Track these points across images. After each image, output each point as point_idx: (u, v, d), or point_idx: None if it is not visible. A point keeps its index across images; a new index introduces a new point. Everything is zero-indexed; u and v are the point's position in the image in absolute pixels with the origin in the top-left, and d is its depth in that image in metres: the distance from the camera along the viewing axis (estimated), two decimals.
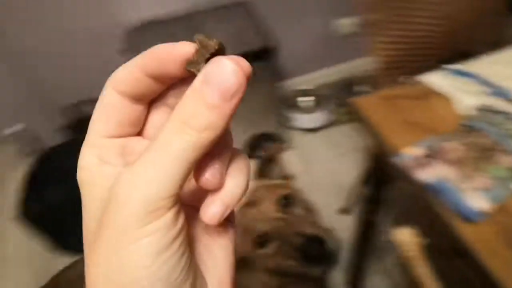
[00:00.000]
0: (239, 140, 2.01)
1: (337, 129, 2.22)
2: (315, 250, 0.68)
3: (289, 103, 2.34)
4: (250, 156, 1.98)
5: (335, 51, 2.39)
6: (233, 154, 0.25)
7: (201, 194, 0.24)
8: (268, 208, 0.75)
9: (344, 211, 1.80)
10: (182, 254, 0.22)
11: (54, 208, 1.55)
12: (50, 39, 1.75)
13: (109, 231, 0.21)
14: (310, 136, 2.19)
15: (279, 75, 1.81)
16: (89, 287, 0.22)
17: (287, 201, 0.78)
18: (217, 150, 0.24)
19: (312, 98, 2.36)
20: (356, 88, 2.43)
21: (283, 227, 0.72)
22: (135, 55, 0.24)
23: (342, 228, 1.73)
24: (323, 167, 2.02)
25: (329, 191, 1.91)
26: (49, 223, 1.60)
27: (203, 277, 0.25)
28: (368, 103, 0.88)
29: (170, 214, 0.21)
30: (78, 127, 1.98)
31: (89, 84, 1.92)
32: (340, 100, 2.34)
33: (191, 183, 0.26)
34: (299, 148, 2.14)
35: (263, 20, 1.75)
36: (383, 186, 1.07)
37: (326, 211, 1.79)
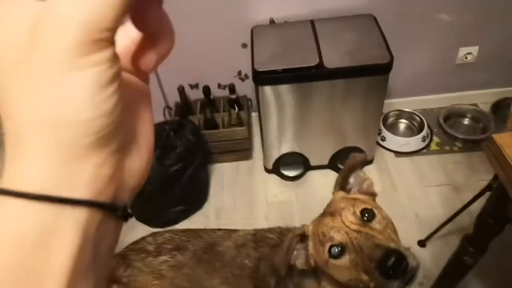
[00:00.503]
0: (329, 151, 2.07)
1: (428, 159, 2.17)
2: (396, 263, 0.65)
3: (389, 122, 2.34)
4: (334, 168, 2.03)
5: (448, 79, 2.31)
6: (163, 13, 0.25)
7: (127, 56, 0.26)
8: (347, 220, 0.75)
9: (421, 243, 1.79)
10: (120, 98, 0.22)
11: None
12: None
13: (44, 58, 0.20)
14: (401, 160, 2.18)
15: (387, 92, 1.82)
16: (9, 132, 0.21)
17: (368, 215, 0.77)
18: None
19: (411, 121, 2.34)
20: (457, 120, 2.35)
21: (361, 240, 0.71)
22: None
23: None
24: (407, 194, 2.01)
25: (409, 220, 1.90)
26: None
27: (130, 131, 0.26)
28: (509, 140, 0.82)
29: (112, 50, 0.21)
30: (183, 109, 2.19)
31: (204, 71, 2.15)
32: (439, 129, 2.28)
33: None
34: (387, 170, 2.13)
35: (385, 34, 1.78)
36: (497, 232, 1.03)
37: (402, 240, 1.81)
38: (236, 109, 2.08)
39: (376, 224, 0.77)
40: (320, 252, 0.78)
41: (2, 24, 0.21)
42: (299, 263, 0.85)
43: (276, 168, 2.13)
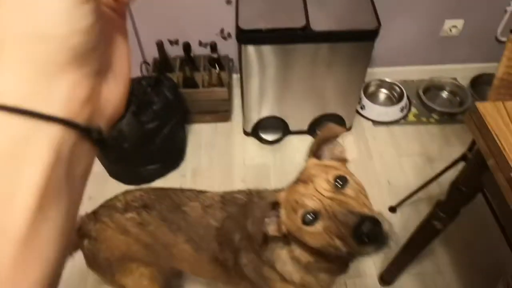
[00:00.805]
0: (309, 116, 2.06)
1: (405, 129, 2.20)
2: (370, 230, 0.65)
3: (369, 91, 2.34)
4: (313, 134, 2.03)
5: (431, 51, 2.31)
6: None
7: None
8: (320, 186, 0.74)
9: (392, 209, 1.84)
10: (96, 20, 0.22)
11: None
12: None
13: None
14: (379, 129, 2.20)
15: (370, 60, 1.81)
16: None
17: (341, 182, 0.75)
18: None
19: (391, 92, 2.35)
20: (435, 93, 2.38)
21: (334, 206, 0.70)
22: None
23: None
24: (382, 162, 2.04)
25: (382, 187, 1.94)
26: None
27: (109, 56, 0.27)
28: (492, 110, 0.81)
29: None
30: (162, 65, 2.12)
31: (184, 27, 2.06)
32: (418, 100, 2.31)
33: None
34: (364, 138, 2.16)
35: (374, 0, 1.74)
36: (468, 200, 1.06)
37: (374, 205, 1.86)
38: (217, 69, 2.02)
39: (349, 190, 0.76)
40: (293, 219, 0.77)
41: None
42: (271, 230, 0.84)
43: (255, 132, 2.12)
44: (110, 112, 0.27)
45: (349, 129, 2.17)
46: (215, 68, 2.02)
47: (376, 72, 2.35)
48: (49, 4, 0.20)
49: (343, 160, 0.87)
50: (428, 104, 2.26)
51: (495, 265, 1.66)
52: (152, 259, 1.17)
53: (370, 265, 1.67)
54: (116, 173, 1.95)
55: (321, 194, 0.73)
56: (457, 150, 2.08)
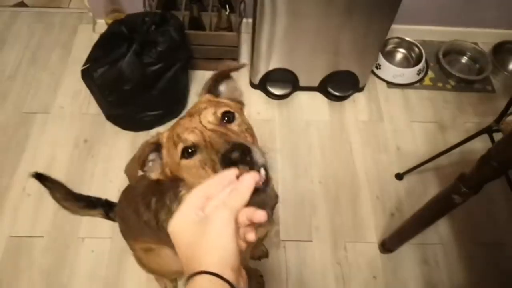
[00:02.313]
0: (321, 72, 1.93)
1: (419, 93, 2.09)
2: (240, 157, 0.60)
3: (387, 49, 2.20)
4: (324, 92, 1.91)
5: (456, 11, 2.15)
6: None
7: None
8: (205, 119, 0.70)
9: (398, 176, 1.78)
10: (246, 251, 0.54)
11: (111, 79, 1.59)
12: None
13: (216, 230, 0.46)
14: (393, 91, 2.09)
15: (395, 15, 1.65)
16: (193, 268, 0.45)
17: (228, 117, 0.72)
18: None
19: (410, 52, 2.21)
20: (455, 57, 2.25)
21: (213, 137, 0.66)
22: None
23: (390, 191, 1.75)
24: (392, 126, 1.96)
25: (390, 152, 1.87)
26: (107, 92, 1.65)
27: None
28: None
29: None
30: (167, 1, 1.93)
31: None
32: (436, 64, 2.18)
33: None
34: (376, 100, 2.05)
35: None
36: (496, 176, 0.98)
37: (381, 170, 1.80)
38: (228, 10, 1.84)
39: (235, 126, 0.72)
40: (173, 154, 0.72)
41: (183, 217, 0.50)
42: (154, 174, 0.79)
43: (262, 84, 1.99)
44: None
45: (362, 88, 2.05)
46: (225, 9, 1.85)
47: (395, 29, 2.18)
48: (228, 247, 0.46)
49: (239, 102, 0.84)
50: (446, 68, 2.13)
51: (496, 243, 1.64)
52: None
53: (372, 232, 1.64)
54: (114, 117, 1.83)
55: (204, 127, 0.69)
56: (471, 120, 2.01)
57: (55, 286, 1.46)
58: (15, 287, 1.45)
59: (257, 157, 0.63)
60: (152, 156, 0.79)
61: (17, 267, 1.49)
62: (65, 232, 1.57)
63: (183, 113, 1.92)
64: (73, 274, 1.49)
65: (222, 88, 0.85)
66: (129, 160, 0.79)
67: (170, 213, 0.94)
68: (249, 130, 0.75)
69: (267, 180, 0.63)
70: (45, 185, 1.45)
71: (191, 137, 0.69)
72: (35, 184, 1.64)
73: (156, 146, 0.77)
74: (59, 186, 1.42)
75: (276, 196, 1.04)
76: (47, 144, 1.80)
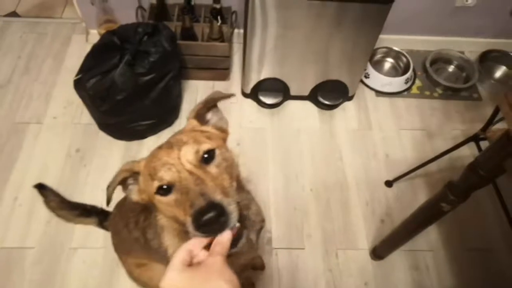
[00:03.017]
0: (311, 81, 1.97)
1: (407, 102, 2.14)
2: (209, 220, 0.61)
3: (375, 59, 2.24)
4: (314, 101, 1.94)
5: (443, 21, 2.20)
6: None
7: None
8: (184, 156, 0.69)
9: (388, 183, 1.81)
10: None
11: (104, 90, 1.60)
12: None
13: None
14: (381, 100, 2.13)
15: (383, 26, 1.69)
16: None
17: (207, 156, 0.70)
18: None
19: (398, 61, 2.26)
20: (442, 66, 2.30)
21: (190, 183, 0.65)
22: None
23: (380, 197, 1.78)
24: (381, 134, 1.99)
25: (379, 159, 1.90)
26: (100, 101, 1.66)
27: None
28: None
29: None
30: (159, 12, 1.96)
31: None
32: (423, 72, 2.23)
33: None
34: (365, 109, 2.09)
35: None
36: (484, 185, 1.01)
37: (371, 177, 1.83)
38: (219, 21, 1.87)
39: (213, 167, 0.71)
40: (148, 185, 0.72)
41: (176, 271, 0.57)
42: (134, 197, 0.80)
43: (254, 93, 2.02)
44: None
45: (351, 97, 2.09)
46: (216, 20, 1.88)
47: (383, 39, 2.23)
48: (233, 278, 0.56)
49: (223, 131, 0.84)
50: (433, 77, 2.18)
51: (485, 248, 1.67)
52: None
53: (363, 239, 1.66)
54: (106, 127, 1.84)
55: (182, 165, 0.68)
56: (458, 127, 2.06)
57: None
58: None
59: (231, 217, 0.63)
60: (131, 180, 0.80)
61: (8, 279, 1.48)
62: (57, 243, 1.57)
63: (176, 122, 1.95)
64: (64, 286, 1.48)
65: (209, 115, 0.85)
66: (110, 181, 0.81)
67: (156, 233, 0.95)
68: (228, 168, 0.73)
69: (239, 236, 0.66)
70: (42, 194, 1.46)
71: (167, 176, 0.68)
72: (27, 194, 1.66)
73: (133, 173, 0.78)
74: (54, 194, 1.42)
75: (262, 220, 1.04)
76: (40, 154, 1.80)
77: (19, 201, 1.66)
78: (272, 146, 1.92)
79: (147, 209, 0.99)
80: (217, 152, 0.72)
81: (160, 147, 0.73)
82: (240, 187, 0.92)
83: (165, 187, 0.68)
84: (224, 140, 0.82)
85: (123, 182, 0.79)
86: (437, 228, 1.70)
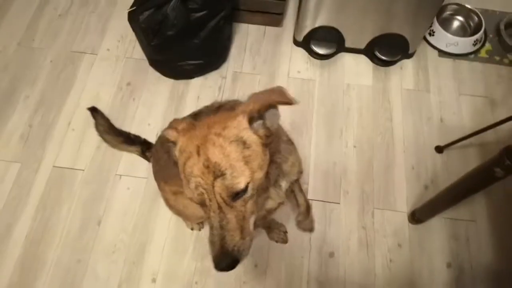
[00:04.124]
0: (369, 33, 1.84)
1: (472, 65, 1.96)
2: (226, 267, 0.71)
3: (443, 16, 2.06)
4: (370, 56, 1.83)
5: None
6: None
7: None
8: (217, 189, 0.69)
9: (439, 149, 1.72)
10: None
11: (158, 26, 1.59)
12: None
13: None
14: (444, 61, 1.97)
15: None
16: None
17: (239, 194, 0.71)
18: None
19: (468, 20, 2.06)
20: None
21: (215, 220, 0.72)
22: None
23: (427, 163, 1.69)
24: (439, 97, 1.86)
25: (433, 123, 1.79)
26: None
27: None
28: None
29: None
30: None
31: None
32: (495, 35, 2.02)
33: None
34: (425, 69, 1.94)
35: None
36: None
37: (421, 140, 1.74)
38: None
39: (239, 203, 0.72)
40: (182, 175, 0.74)
41: None
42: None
43: (306, 42, 1.93)
44: None
45: (411, 55, 1.95)
46: None
47: None
48: None
49: (269, 135, 0.76)
50: (506, 41, 1.98)
51: None
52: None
53: (403, 202, 1.61)
54: (156, 63, 1.86)
55: (214, 195, 0.70)
56: None
57: (92, 217, 1.56)
58: (57, 213, 1.56)
59: (243, 259, 0.72)
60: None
61: (59, 195, 1.60)
62: (104, 168, 1.65)
63: (223, 66, 1.93)
64: (109, 208, 1.58)
65: (266, 114, 0.76)
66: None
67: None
68: (252, 201, 0.74)
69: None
70: (93, 116, 1.53)
71: (198, 198, 0.72)
72: (80, 120, 1.74)
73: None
74: (104, 119, 1.48)
75: (300, 172, 1.02)
76: (93, 84, 1.87)
77: (72, 125, 1.75)
78: (319, 99, 1.86)
79: None
80: (249, 187, 0.71)
81: (198, 143, 0.71)
82: (279, 139, 0.92)
83: (196, 200, 0.73)
84: (266, 145, 0.76)
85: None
86: (483, 197, 1.61)
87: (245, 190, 0.71)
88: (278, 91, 0.74)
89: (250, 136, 0.73)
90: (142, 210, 1.58)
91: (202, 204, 0.73)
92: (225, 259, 0.70)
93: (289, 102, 0.72)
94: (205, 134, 0.71)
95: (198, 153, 0.70)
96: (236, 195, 0.70)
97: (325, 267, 1.49)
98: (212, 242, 0.71)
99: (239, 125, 0.72)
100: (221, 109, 0.88)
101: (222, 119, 0.74)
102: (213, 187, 0.69)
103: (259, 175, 0.73)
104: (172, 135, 0.77)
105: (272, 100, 0.72)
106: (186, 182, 0.71)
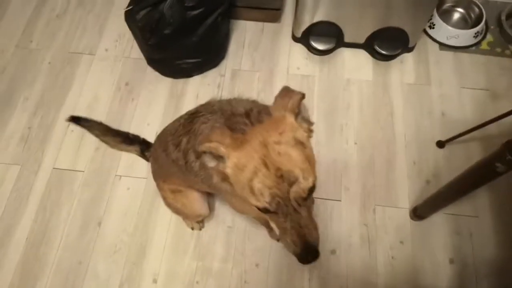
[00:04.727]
0: (368, 27, 1.82)
1: (474, 58, 1.94)
2: (311, 259, 0.77)
3: (443, 8, 2.03)
4: (369, 50, 1.81)
5: None
6: None
7: None
8: (293, 194, 0.71)
9: (440, 144, 1.70)
10: None
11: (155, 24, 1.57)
12: None
13: None
14: (444, 54, 1.94)
15: None
16: None
17: (309, 195, 0.73)
18: None
19: (469, 12, 2.03)
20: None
21: (295, 222, 0.74)
22: None
23: (429, 158, 1.68)
24: (440, 91, 1.84)
25: (434, 118, 1.77)
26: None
27: None
28: None
29: None
30: None
31: None
32: (497, 26, 1.99)
33: None
34: (425, 62, 1.92)
35: None
36: None
37: (422, 135, 1.72)
38: None
39: (309, 200, 0.76)
40: (246, 193, 0.73)
41: None
42: (209, 165, 0.80)
43: (305, 38, 1.91)
44: None
45: (411, 49, 1.93)
46: None
47: None
48: None
49: (309, 124, 0.81)
50: (508, 32, 1.95)
51: None
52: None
53: (404, 198, 1.59)
54: (155, 62, 1.85)
55: (289, 201, 0.72)
56: None
57: (92, 218, 1.56)
58: (57, 215, 1.56)
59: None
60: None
61: (59, 197, 1.60)
62: (104, 169, 1.65)
63: (222, 63, 1.91)
64: (109, 209, 1.58)
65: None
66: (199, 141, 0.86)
67: (198, 155, 0.96)
68: (312, 199, 0.81)
69: None
70: (81, 126, 1.53)
71: (274, 206, 0.72)
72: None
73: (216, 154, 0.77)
74: (96, 124, 1.48)
75: None
76: (91, 84, 1.86)
77: (71, 127, 1.74)
78: (319, 95, 1.84)
79: (190, 132, 1.00)
80: (316, 184, 0.74)
81: (260, 157, 0.70)
82: None
83: (267, 211, 0.73)
84: (308, 138, 0.79)
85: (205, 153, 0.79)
86: (486, 192, 1.59)
87: (311, 191, 0.73)
88: (287, 89, 0.79)
89: (302, 135, 0.76)
90: (142, 210, 1.57)
91: (275, 211, 0.73)
92: (311, 253, 0.76)
93: (303, 94, 0.77)
94: (263, 145, 0.71)
95: (266, 166, 0.70)
96: (308, 194, 0.73)
97: (326, 264, 1.48)
98: (293, 242, 0.75)
99: (292, 127, 0.75)
100: (251, 116, 0.87)
101: (272, 125, 0.75)
102: (289, 193, 0.71)
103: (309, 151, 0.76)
104: (221, 151, 0.74)
105: (296, 94, 0.77)
106: (258, 196, 0.71)
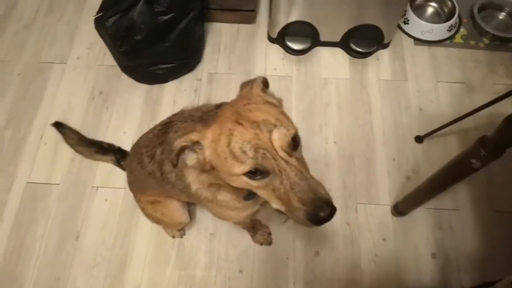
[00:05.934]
0: (343, 26, 1.82)
1: (448, 52, 1.95)
2: (327, 216, 0.66)
3: (416, 3, 2.04)
4: (346, 48, 1.81)
5: None
6: None
7: None
8: (277, 144, 0.67)
9: (418, 139, 1.70)
10: None
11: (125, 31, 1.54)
12: None
13: None
14: (419, 49, 1.96)
15: None
16: None
17: (295, 143, 0.69)
18: None
19: (442, 6, 2.05)
20: (491, 13, 2.06)
21: (292, 176, 0.66)
22: None
23: (408, 153, 1.68)
24: (416, 86, 1.85)
25: (412, 113, 1.78)
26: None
27: None
28: None
29: None
30: None
31: None
32: (470, 20, 2.02)
33: None
34: (401, 58, 1.93)
35: None
36: None
37: (400, 131, 1.73)
38: None
39: (299, 155, 0.70)
40: (227, 164, 0.68)
41: None
42: (189, 162, 0.76)
43: (281, 38, 1.90)
44: None
45: (386, 45, 1.93)
46: None
47: None
48: None
49: (281, 100, 0.81)
50: (481, 25, 1.97)
51: None
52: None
53: (385, 195, 1.60)
54: (128, 69, 1.81)
55: (276, 152, 0.66)
56: (502, 81, 1.89)
57: (69, 232, 1.52)
58: (33, 231, 1.52)
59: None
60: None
61: (34, 212, 1.55)
62: (80, 181, 1.61)
63: (198, 68, 1.88)
64: (86, 221, 1.54)
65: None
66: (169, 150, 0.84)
67: (177, 168, 0.93)
68: (306, 163, 0.72)
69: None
70: (60, 132, 1.49)
71: (264, 162, 0.66)
72: (52, 133, 1.69)
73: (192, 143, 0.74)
74: (73, 132, 1.44)
75: None
76: (64, 94, 1.81)
77: (44, 139, 1.69)
78: (297, 95, 1.83)
79: (164, 143, 0.98)
80: (299, 138, 0.71)
81: (232, 119, 0.69)
82: None
83: (259, 173, 0.67)
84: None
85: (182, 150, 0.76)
86: (465, 186, 1.61)
87: (298, 139, 0.70)
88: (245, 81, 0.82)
89: (272, 100, 0.77)
90: (121, 221, 1.54)
91: (265, 170, 0.67)
92: (325, 206, 0.64)
93: (263, 77, 0.81)
94: (234, 112, 0.70)
95: (241, 124, 0.67)
96: (293, 143, 0.69)
97: (311, 266, 1.47)
98: (299, 201, 0.65)
99: (260, 94, 0.77)
100: (222, 106, 0.87)
101: (240, 99, 0.75)
102: (272, 142, 0.66)
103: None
104: (196, 135, 0.73)
105: (257, 78, 0.80)
106: (241, 156, 0.66)
